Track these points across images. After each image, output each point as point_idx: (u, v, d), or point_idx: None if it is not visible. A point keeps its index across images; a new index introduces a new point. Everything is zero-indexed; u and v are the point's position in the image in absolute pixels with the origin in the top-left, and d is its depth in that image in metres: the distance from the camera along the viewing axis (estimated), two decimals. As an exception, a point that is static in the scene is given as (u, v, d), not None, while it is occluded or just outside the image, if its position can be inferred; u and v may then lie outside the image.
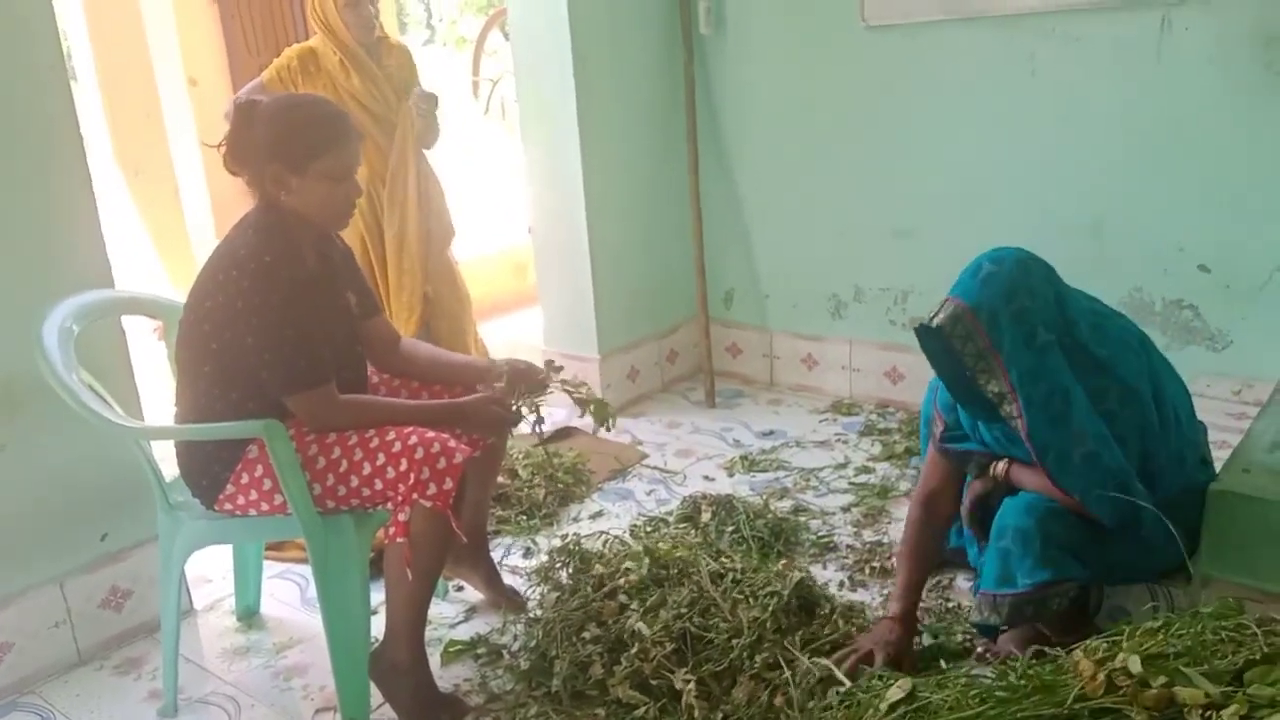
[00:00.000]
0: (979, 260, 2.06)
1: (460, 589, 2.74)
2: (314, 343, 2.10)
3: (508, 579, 2.75)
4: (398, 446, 2.08)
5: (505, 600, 2.63)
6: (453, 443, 2.10)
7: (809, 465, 3.33)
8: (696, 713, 2.08)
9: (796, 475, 3.27)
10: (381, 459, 2.08)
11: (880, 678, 1.78)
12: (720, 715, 2.10)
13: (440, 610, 2.65)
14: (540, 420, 2.48)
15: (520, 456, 3.24)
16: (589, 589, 2.46)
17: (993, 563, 2.09)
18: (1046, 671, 1.56)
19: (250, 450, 2.12)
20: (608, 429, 2.52)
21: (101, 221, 2.49)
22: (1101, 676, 1.44)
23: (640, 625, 2.24)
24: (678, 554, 2.49)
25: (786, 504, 3.05)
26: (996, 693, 1.54)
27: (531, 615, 2.53)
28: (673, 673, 2.16)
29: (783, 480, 3.24)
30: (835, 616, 2.35)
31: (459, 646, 2.48)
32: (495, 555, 2.85)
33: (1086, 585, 2.09)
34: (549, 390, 2.43)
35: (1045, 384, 1.97)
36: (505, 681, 2.34)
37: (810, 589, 2.44)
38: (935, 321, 2.03)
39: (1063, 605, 2.03)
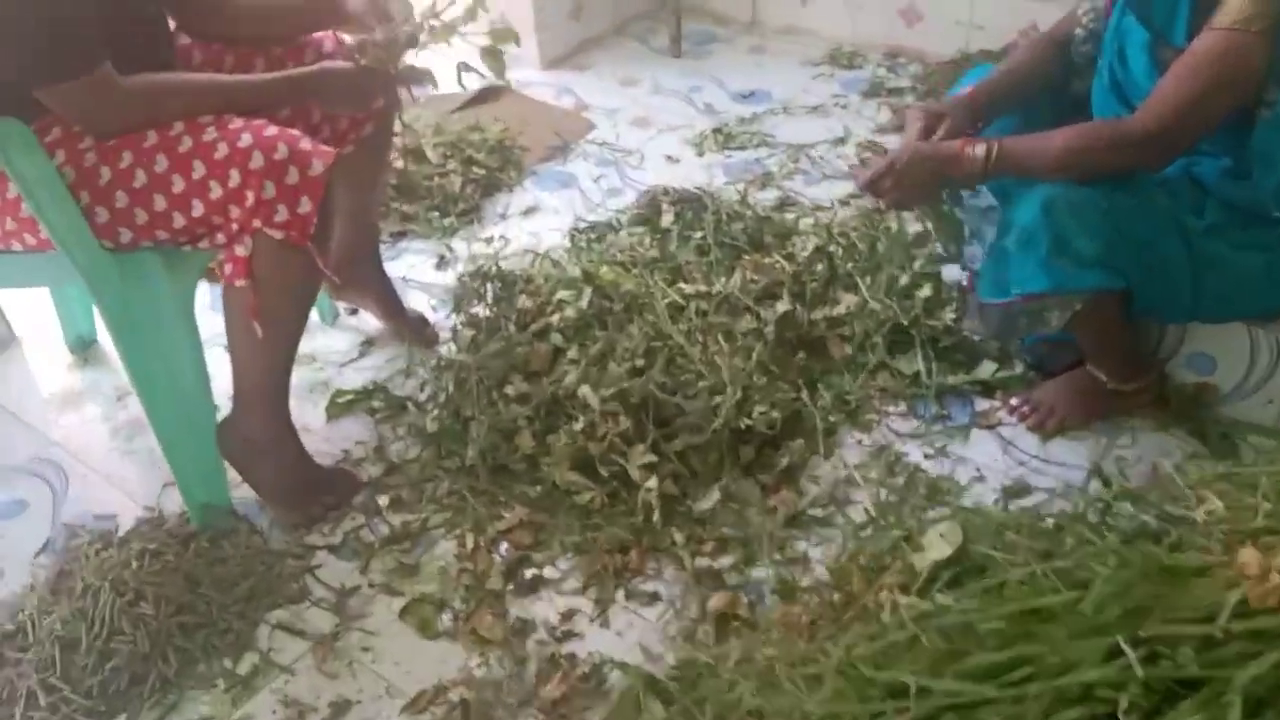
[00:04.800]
0: None
1: (354, 312, 2.16)
2: (72, 7, 1.35)
3: (415, 300, 2.17)
4: (223, 151, 1.41)
5: (409, 331, 2.06)
6: (307, 143, 1.43)
7: (799, 139, 2.66)
8: (656, 513, 1.59)
9: (783, 154, 2.60)
10: (200, 171, 1.42)
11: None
12: (692, 504, 1.63)
13: (327, 342, 2.08)
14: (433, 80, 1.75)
15: (429, 132, 2.51)
16: (512, 327, 1.90)
17: (988, 264, 1.64)
18: (1166, 546, 1.03)
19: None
20: (500, 77, 1.78)
21: None
22: (1278, 579, 0.91)
23: (585, 390, 1.70)
24: (625, 286, 1.89)
25: (770, 196, 2.42)
26: (1094, 573, 1.01)
27: (443, 355, 1.97)
28: (626, 455, 1.64)
29: (765, 162, 2.58)
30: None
31: (349, 396, 1.93)
32: (398, 267, 2.25)
33: (1113, 291, 1.57)
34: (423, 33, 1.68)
35: None
36: (408, 446, 1.83)
37: (794, 319, 1.90)
38: None
39: (1065, 320, 1.57)
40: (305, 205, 1.43)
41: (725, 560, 1.57)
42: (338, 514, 1.71)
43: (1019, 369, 1.85)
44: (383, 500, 1.73)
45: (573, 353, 1.81)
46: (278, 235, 1.43)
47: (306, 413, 1.91)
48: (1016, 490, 1.67)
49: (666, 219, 2.22)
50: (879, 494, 1.67)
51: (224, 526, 1.67)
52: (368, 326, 2.11)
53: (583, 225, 2.31)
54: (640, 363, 1.76)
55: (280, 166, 1.41)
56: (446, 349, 2.00)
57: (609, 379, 1.72)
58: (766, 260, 2.03)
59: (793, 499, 1.65)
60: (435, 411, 1.85)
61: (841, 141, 2.63)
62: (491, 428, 1.74)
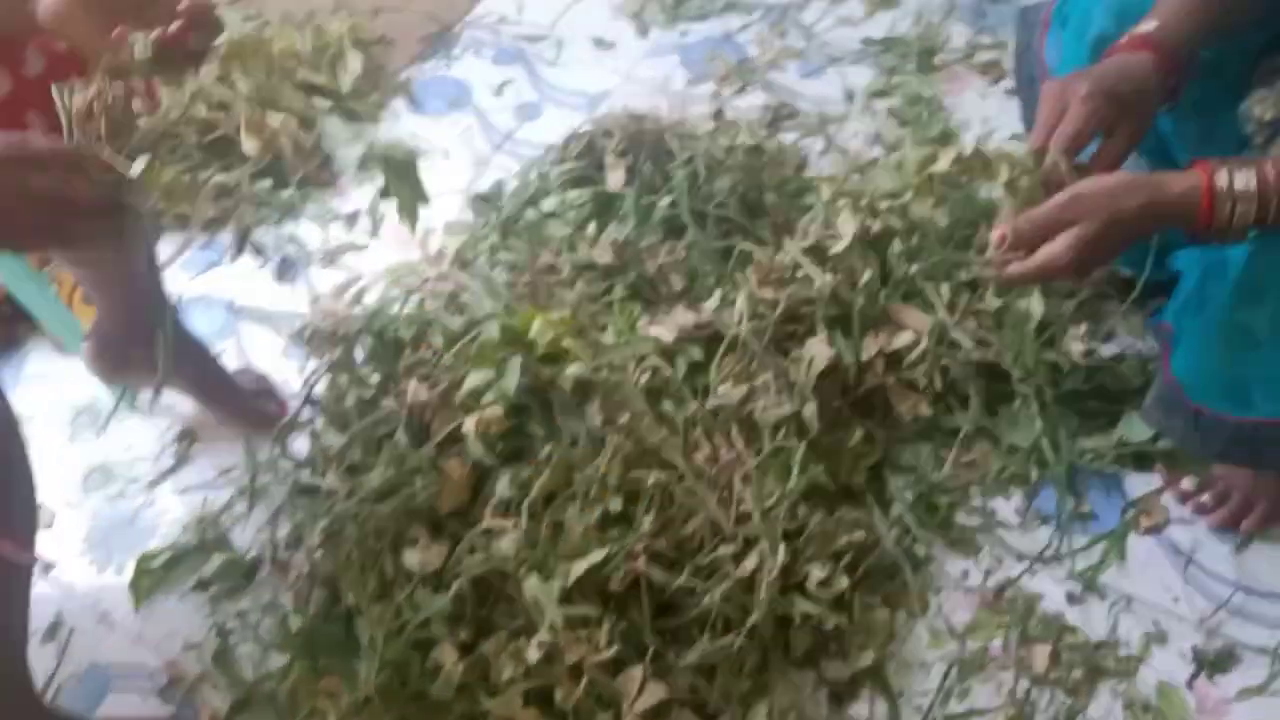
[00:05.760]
0: None
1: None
2: None
3: (255, 346, 1.44)
4: None
5: (246, 420, 1.34)
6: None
7: (781, -4, 1.85)
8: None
9: (761, 23, 1.80)
10: None
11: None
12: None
13: (125, 440, 1.36)
14: None
15: (231, 54, 1.63)
16: (403, 435, 1.19)
17: (1216, 348, 1.00)
18: None
19: None
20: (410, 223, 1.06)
21: None
22: None
23: (534, 584, 1.03)
24: (570, 367, 1.17)
25: (755, 102, 1.65)
26: None
27: (304, 465, 1.27)
28: (613, 688, 1.01)
29: (738, 41, 1.78)
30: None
31: (163, 558, 1.24)
32: (217, 286, 1.50)
33: None
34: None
35: None
36: (266, 650, 1.17)
37: (839, 371, 1.23)
38: None
39: None
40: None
41: None
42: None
43: (1189, 426, 1.21)
44: (233, 768, 1.10)
45: (503, 484, 1.12)
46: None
47: (106, 593, 1.23)
48: (1217, 660, 1.08)
49: (614, 178, 1.46)
50: (1014, 689, 1.07)
51: None
52: (184, 406, 1.38)
53: (489, 189, 1.54)
54: (615, 506, 1.09)
55: None
56: (309, 444, 1.29)
57: (568, 547, 1.06)
58: (778, 258, 1.31)
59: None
60: (299, 584, 1.18)
61: (844, -6, 1.84)
62: (391, 634, 1.08)
